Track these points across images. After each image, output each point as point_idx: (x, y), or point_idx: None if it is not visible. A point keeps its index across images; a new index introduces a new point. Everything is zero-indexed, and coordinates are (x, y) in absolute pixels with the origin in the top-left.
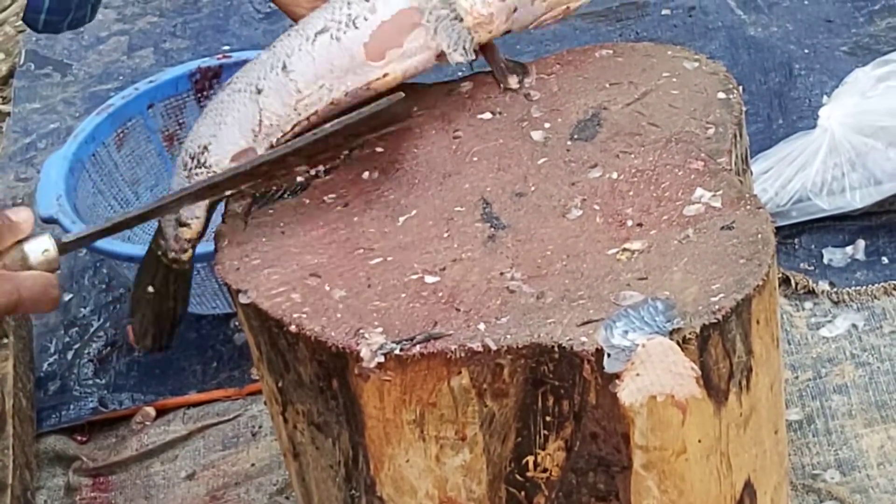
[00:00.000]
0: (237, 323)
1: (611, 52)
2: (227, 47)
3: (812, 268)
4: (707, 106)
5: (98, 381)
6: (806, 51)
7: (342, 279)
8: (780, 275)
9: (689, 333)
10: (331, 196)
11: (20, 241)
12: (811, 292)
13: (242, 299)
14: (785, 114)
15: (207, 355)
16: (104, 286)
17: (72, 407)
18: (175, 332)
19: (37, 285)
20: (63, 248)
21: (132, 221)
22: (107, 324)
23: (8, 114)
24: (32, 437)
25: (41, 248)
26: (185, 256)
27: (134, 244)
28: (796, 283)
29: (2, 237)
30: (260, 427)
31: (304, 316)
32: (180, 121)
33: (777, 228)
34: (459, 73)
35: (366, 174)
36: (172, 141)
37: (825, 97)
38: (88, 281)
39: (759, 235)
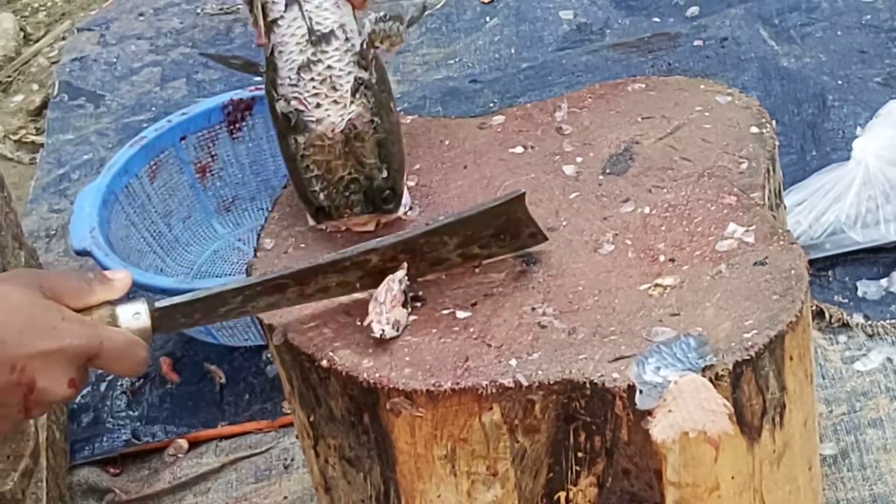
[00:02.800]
0: (269, 355)
1: (643, 85)
2: (259, 78)
3: (846, 300)
4: (740, 140)
5: (131, 413)
6: (839, 82)
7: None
8: (814, 308)
9: (722, 370)
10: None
11: (113, 304)
12: (845, 325)
13: (275, 340)
14: (818, 145)
15: (240, 387)
16: None
17: (105, 439)
18: None
19: (122, 342)
20: (156, 314)
21: (233, 294)
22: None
23: (42, 145)
24: (66, 470)
25: (132, 310)
26: None
27: (167, 276)
28: (830, 316)
29: (93, 292)
30: (292, 460)
31: (336, 351)
32: (212, 152)
33: (811, 261)
34: (491, 105)
35: None
36: (205, 173)
37: (859, 128)
38: None
39: (793, 271)
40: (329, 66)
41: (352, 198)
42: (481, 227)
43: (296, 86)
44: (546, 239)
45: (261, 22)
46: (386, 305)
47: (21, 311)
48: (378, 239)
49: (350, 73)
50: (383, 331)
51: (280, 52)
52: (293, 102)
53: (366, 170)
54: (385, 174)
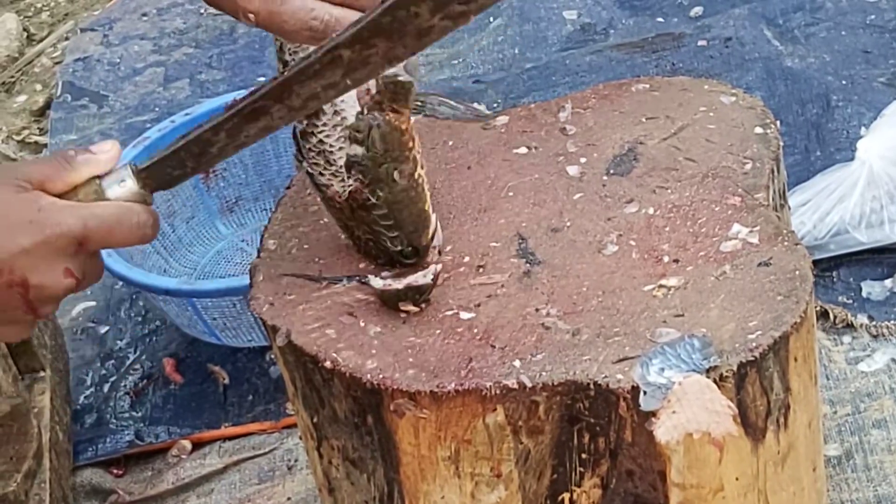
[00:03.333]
0: (272, 356)
1: (647, 86)
2: (262, 78)
3: (851, 301)
4: (744, 141)
5: (134, 413)
6: (843, 82)
7: (377, 315)
8: (819, 308)
9: (726, 371)
10: None
11: (99, 178)
12: (850, 326)
13: (278, 341)
14: (822, 145)
15: (243, 388)
16: (140, 319)
17: (108, 440)
18: None
19: (108, 214)
20: (142, 174)
21: (210, 133)
22: (143, 356)
23: (45, 145)
24: (69, 471)
25: (117, 179)
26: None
27: (170, 277)
28: (835, 317)
29: (76, 169)
30: (296, 461)
31: (339, 352)
32: None
33: (815, 261)
34: (495, 105)
35: None
36: (209, 173)
37: (863, 129)
38: (125, 314)
39: (797, 272)
40: (321, 141)
41: (372, 253)
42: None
43: (304, 150)
44: None
45: None
46: None
47: None
48: (339, 33)
49: (341, 148)
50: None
51: None
52: (305, 164)
53: (376, 235)
54: (396, 236)
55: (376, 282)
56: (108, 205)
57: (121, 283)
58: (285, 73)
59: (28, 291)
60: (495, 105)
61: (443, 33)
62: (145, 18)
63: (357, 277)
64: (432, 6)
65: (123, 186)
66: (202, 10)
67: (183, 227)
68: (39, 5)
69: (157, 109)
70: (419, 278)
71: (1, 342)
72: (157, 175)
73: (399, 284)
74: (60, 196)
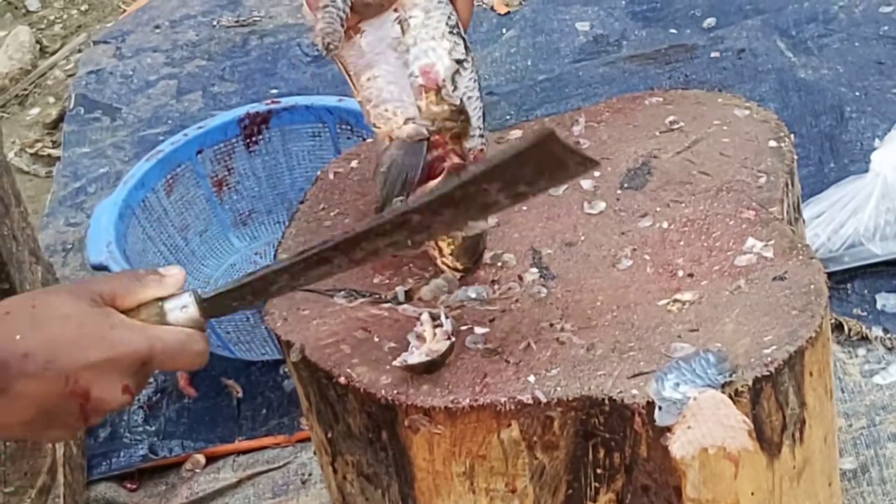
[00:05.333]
0: (286, 369)
1: (661, 99)
2: (275, 90)
3: (865, 313)
4: (758, 154)
5: (148, 428)
6: (857, 93)
7: (391, 331)
8: (833, 321)
9: (742, 386)
10: None
11: (162, 300)
12: (865, 338)
13: (293, 357)
14: (836, 157)
15: (257, 402)
16: None
17: (122, 454)
18: None
19: (173, 340)
20: (204, 304)
21: (278, 275)
22: (157, 370)
23: (58, 158)
24: (83, 485)
25: (180, 304)
26: None
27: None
28: (849, 330)
29: (145, 287)
30: (310, 475)
31: (354, 367)
32: (229, 166)
33: (830, 274)
34: (507, 117)
35: None
36: (221, 186)
37: (877, 140)
38: None
39: (812, 286)
40: None
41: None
42: (517, 170)
43: None
44: (597, 163)
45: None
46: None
47: (70, 321)
48: (413, 197)
49: None
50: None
51: None
52: None
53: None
54: (453, 252)
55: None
56: (175, 330)
57: None
58: (353, 232)
59: (88, 402)
60: (508, 117)
61: (503, 208)
62: (158, 31)
63: (371, 293)
64: (500, 186)
65: (185, 312)
66: (215, 23)
67: (196, 241)
68: (52, 18)
69: (169, 122)
70: (435, 345)
71: (46, 443)
72: (217, 306)
73: (417, 359)
74: (125, 313)
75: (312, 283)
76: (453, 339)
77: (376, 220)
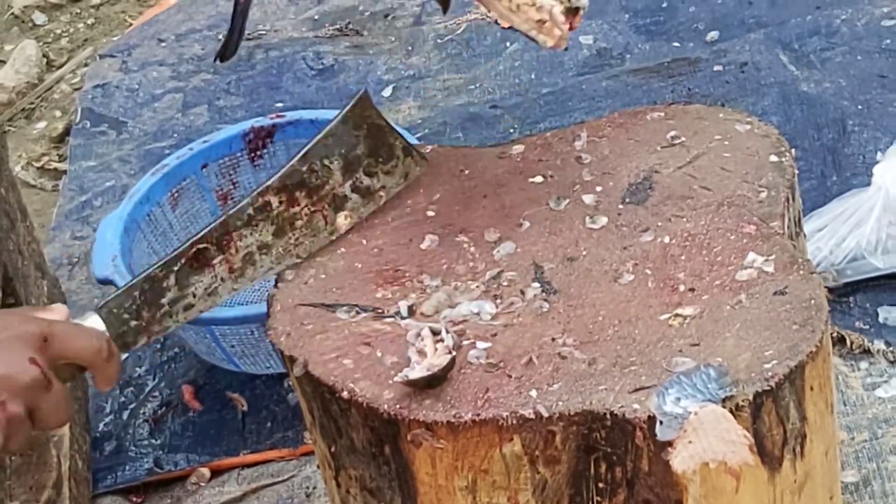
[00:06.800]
0: (290, 383)
1: (662, 114)
2: (280, 104)
3: (867, 327)
4: (759, 169)
5: (153, 441)
6: (859, 107)
7: (394, 345)
8: (835, 334)
9: (742, 401)
10: (384, 262)
11: None
12: (867, 352)
13: (296, 371)
14: (839, 170)
15: (261, 415)
16: (159, 346)
17: (127, 468)
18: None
19: (75, 328)
20: (101, 311)
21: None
22: (162, 384)
23: (64, 172)
24: (88, 499)
25: (82, 319)
26: None
27: None
28: (851, 343)
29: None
30: (314, 488)
31: (357, 382)
32: (234, 180)
33: (832, 287)
34: (511, 130)
35: (417, 237)
36: (226, 200)
37: (879, 154)
38: None
39: (812, 301)
40: None
41: None
42: (349, 143)
43: None
44: (424, 158)
45: None
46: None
47: None
48: (266, 180)
49: None
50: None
51: None
52: None
53: None
54: None
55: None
56: (74, 324)
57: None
58: (217, 218)
59: None
60: (512, 131)
61: (356, 209)
62: (164, 45)
63: (374, 308)
64: (342, 165)
65: (90, 323)
66: (220, 37)
67: None
68: (59, 32)
69: (175, 136)
70: (436, 360)
71: None
72: (116, 318)
73: (418, 374)
74: None
75: (203, 301)
76: (454, 353)
77: (236, 206)
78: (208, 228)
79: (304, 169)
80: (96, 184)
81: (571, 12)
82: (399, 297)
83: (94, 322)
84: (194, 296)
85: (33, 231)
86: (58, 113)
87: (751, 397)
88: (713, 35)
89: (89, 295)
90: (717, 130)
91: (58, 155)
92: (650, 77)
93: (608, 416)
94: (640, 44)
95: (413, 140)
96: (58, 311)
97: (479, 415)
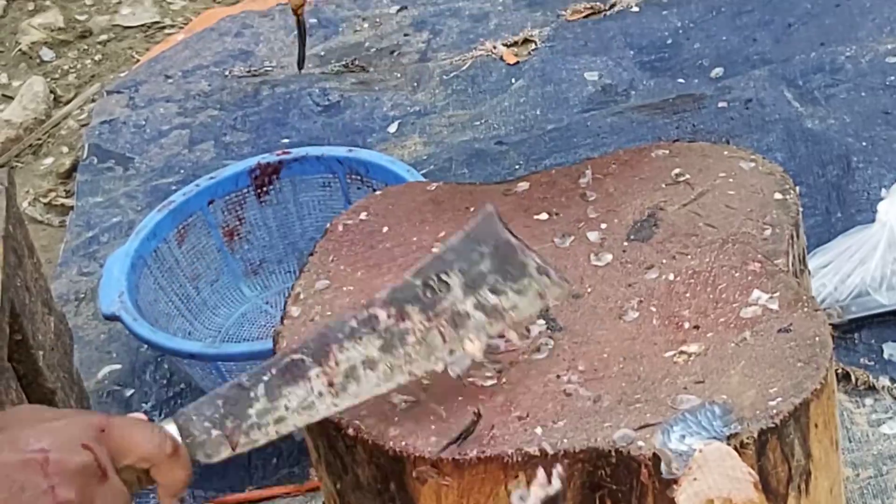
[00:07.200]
0: None
1: (667, 151)
2: (286, 140)
3: (872, 363)
4: (764, 206)
5: None
6: (864, 143)
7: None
8: (840, 370)
9: (747, 438)
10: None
11: None
12: (872, 388)
13: None
14: (843, 207)
15: (267, 451)
16: (165, 382)
17: (134, 503)
18: None
19: (134, 422)
20: (179, 420)
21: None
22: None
23: (71, 208)
24: None
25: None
26: None
27: (195, 340)
28: (856, 379)
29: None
30: None
31: (362, 419)
32: (240, 216)
33: (836, 323)
34: (517, 167)
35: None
36: (233, 236)
37: (883, 190)
38: (150, 377)
39: (817, 338)
40: None
41: None
42: (472, 259)
43: None
44: (565, 280)
45: None
46: None
47: (31, 407)
48: (376, 295)
49: None
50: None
51: None
52: None
53: None
54: None
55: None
56: (134, 417)
57: (146, 346)
58: (327, 330)
59: (48, 465)
60: (517, 167)
61: (480, 330)
62: (170, 81)
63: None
64: (462, 282)
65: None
66: (227, 73)
67: (208, 290)
68: (66, 68)
69: (182, 172)
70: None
71: None
72: (195, 427)
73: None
74: None
75: (297, 414)
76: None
77: (344, 318)
78: (304, 339)
79: (419, 283)
80: (103, 220)
81: None
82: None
83: (169, 430)
84: (287, 408)
85: (40, 267)
86: (65, 149)
87: (755, 434)
88: (718, 71)
89: (96, 331)
90: (721, 168)
91: (65, 191)
92: (655, 113)
93: (613, 453)
94: (644, 80)
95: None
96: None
97: (484, 452)
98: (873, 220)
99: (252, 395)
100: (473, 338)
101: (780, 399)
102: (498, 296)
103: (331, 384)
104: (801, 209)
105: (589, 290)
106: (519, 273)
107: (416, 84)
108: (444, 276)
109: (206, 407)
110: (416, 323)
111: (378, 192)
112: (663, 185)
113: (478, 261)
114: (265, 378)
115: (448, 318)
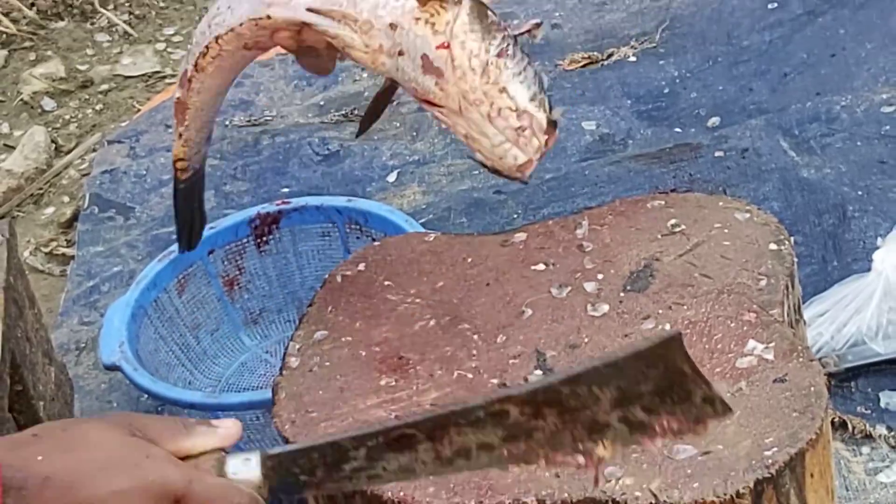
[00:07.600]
0: None
1: (663, 202)
2: (286, 189)
3: (869, 412)
4: (759, 257)
5: None
6: (859, 192)
7: None
8: (837, 419)
9: (743, 488)
10: (387, 349)
11: (225, 451)
12: (868, 437)
13: None
14: (839, 256)
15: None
16: None
17: None
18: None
19: (215, 485)
20: (268, 462)
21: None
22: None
23: (72, 257)
24: None
25: (243, 457)
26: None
27: (195, 389)
28: (853, 428)
29: (191, 436)
30: None
31: None
32: (240, 266)
33: (833, 372)
34: (515, 216)
35: (421, 324)
36: (233, 286)
37: (879, 239)
38: None
39: (812, 388)
40: None
41: None
42: (635, 378)
43: None
44: (729, 410)
45: None
46: None
47: (101, 447)
48: (511, 387)
49: None
50: None
51: None
52: None
53: None
54: None
55: None
56: (219, 479)
57: (146, 396)
58: (440, 411)
59: None
60: (515, 216)
61: (618, 439)
62: (171, 130)
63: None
64: (614, 397)
65: (246, 466)
66: (227, 123)
67: (208, 339)
68: (67, 117)
69: None
70: None
71: None
72: (280, 466)
73: None
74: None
75: (395, 479)
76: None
77: (468, 402)
78: (421, 418)
79: (566, 391)
80: (104, 269)
81: (551, 125)
82: (402, 384)
83: (253, 463)
84: (385, 469)
85: (41, 318)
86: (66, 198)
87: (751, 485)
88: (714, 121)
89: (96, 381)
90: (717, 219)
91: (66, 240)
92: (652, 162)
93: (610, 503)
94: (642, 129)
95: None
96: (225, 430)
97: (482, 502)
98: (869, 269)
99: (351, 455)
100: (608, 445)
101: (775, 449)
102: (649, 415)
103: (438, 457)
104: (796, 259)
105: (586, 340)
106: (679, 398)
107: (415, 133)
108: (596, 389)
109: (299, 455)
110: (550, 422)
111: (376, 243)
112: (659, 236)
113: (640, 381)
114: (369, 444)
115: (586, 424)
